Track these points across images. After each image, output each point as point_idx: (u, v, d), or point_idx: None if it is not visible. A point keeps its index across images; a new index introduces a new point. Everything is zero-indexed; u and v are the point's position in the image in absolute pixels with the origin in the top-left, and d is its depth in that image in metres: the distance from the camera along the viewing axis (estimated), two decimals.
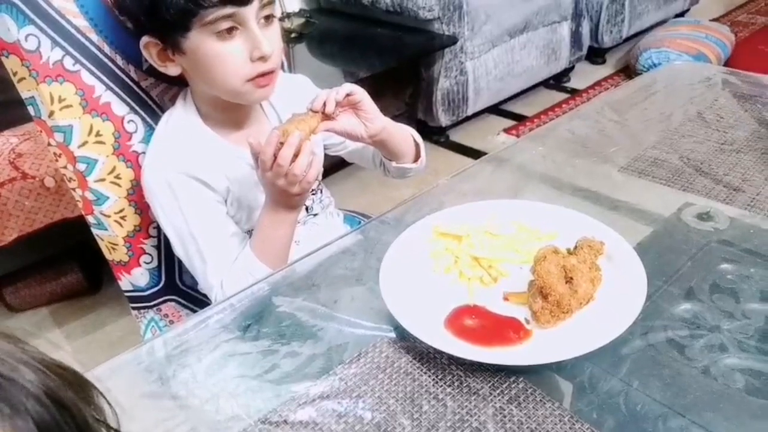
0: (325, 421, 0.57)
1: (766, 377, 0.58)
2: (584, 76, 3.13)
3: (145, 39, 0.84)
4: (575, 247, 0.70)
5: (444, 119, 2.53)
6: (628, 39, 3.21)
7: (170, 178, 0.88)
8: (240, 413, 0.59)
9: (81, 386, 0.33)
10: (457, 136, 2.70)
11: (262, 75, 0.83)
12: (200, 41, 0.80)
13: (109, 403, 0.35)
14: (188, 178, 0.88)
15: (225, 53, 0.80)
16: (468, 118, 2.69)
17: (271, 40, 0.82)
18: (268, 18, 0.82)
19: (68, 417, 0.31)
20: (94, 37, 0.89)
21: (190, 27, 0.78)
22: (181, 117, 0.92)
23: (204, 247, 0.90)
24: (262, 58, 0.81)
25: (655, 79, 1.24)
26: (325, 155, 0.88)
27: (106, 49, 0.90)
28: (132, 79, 0.94)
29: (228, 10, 0.77)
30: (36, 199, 1.76)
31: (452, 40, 2.34)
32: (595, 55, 3.22)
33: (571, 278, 0.64)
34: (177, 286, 1.08)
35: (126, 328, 1.82)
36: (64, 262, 1.97)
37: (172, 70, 0.87)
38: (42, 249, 1.90)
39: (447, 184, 0.95)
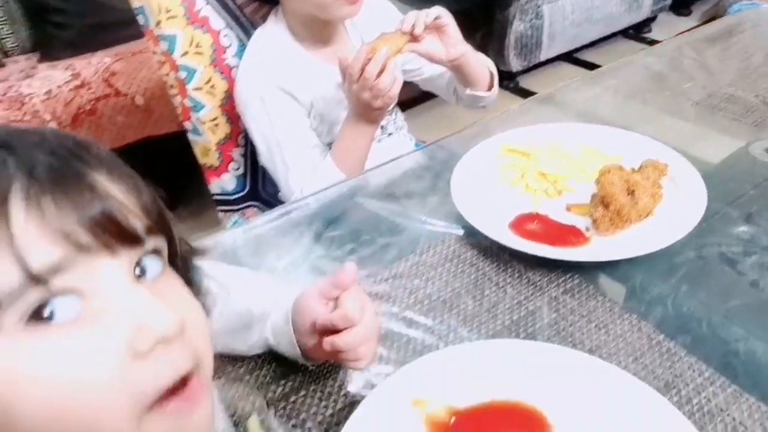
0: (398, 295, 0.65)
1: None
2: (667, 27, 3.01)
3: None
4: (640, 167, 0.73)
5: (515, 64, 2.51)
6: None
7: (262, 90, 0.95)
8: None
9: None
10: (527, 82, 2.67)
11: None
12: None
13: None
14: (278, 90, 0.95)
15: None
16: (540, 65, 2.65)
17: None
18: None
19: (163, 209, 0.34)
20: None
21: None
22: (272, 33, 0.99)
23: (288, 155, 0.98)
24: None
25: (741, 20, 1.22)
26: (403, 82, 0.94)
27: None
28: None
29: None
30: (127, 115, 1.89)
31: None
32: (681, 6, 3.08)
33: (633, 191, 0.68)
34: (259, 193, 1.18)
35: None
36: (145, 179, 2.12)
37: None
38: (130, 163, 2.05)
39: (518, 109, 0.99)
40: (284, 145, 0.98)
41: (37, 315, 0.28)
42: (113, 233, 0.30)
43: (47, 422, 0.28)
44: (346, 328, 0.48)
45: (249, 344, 0.56)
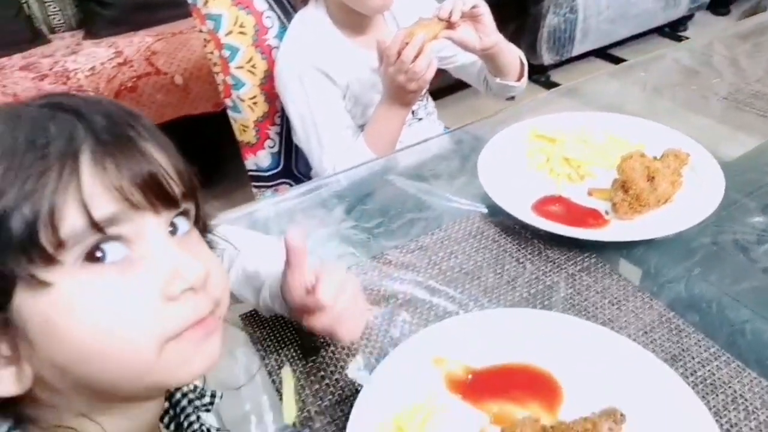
0: (423, 266, 0.69)
1: None
2: (703, 26, 2.98)
3: None
4: (662, 155, 0.76)
5: (547, 57, 2.52)
6: None
7: (301, 70, 1.00)
8: (354, 251, 0.72)
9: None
10: (558, 76, 2.68)
11: None
12: None
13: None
14: (317, 71, 1.00)
15: None
16: (572, 60, 2.65)
17: None
18: None
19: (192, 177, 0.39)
20: None
21: None
22: (313, 17, 1.03)
23: (323, 134, 1.02)
24: None
25: None
26: (436, 69, 0.97)
27: None
28: None
29: None
30: (166, 94, 1.96)
31: None
32: (719, 5, 3.04)
33: (653, 178, 0.71)
34: (292, 171, 1.22)
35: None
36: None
37: None
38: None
39: (545, 98, 1.02)
40: (320, 125, 1.02)
41: (91, 255, 0.33)
42: (158, 195, 0.35)
43: (91, 344, 0.33)
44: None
45: (259, 303, 0.61)
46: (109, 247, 0.34)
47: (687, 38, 2.89)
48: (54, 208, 0.32)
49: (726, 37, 1.15)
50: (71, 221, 0.32)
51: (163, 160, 0.36)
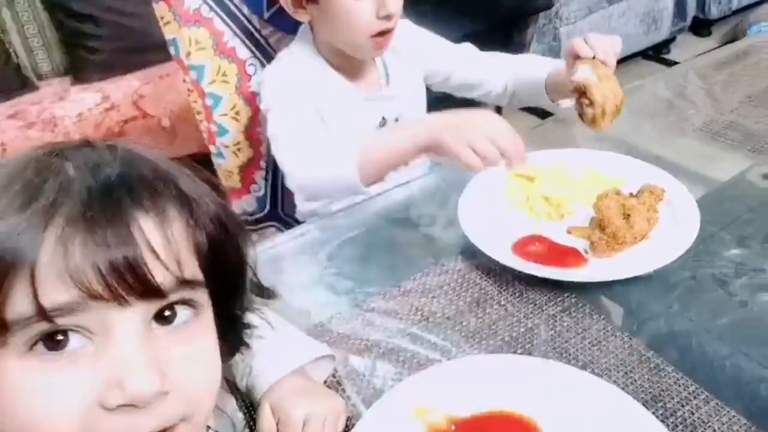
0: (404, 312, 0.69)
1: None
2: (686, 48, 3.02)
3: None
4: (638, 192, 0.77)
5: None
6: (738, 11, 3.06)
7: (289, 91, 0.94)
8: (336, 299, 0.72)
9: (240, 225, 0.40)
10: None
11: (383, 34, 0.89)
12: None
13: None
14: (304, 97, 0.94)
15: (356, 9, 0.87)
16: None
17: (396, 1, 0.88)
18: None
19: (230, 243, 0.38)
20: None
21: None
22: (302, 47, 0.99)
23: (302, 140, 0.91)
24: (388, 17, 0.88)
25: (750, 47, 1.25)
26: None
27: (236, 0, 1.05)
28: (254, 27, 1.08)
29: None
30: (154, 137, 1.98)
31: (547, 4, 2.35)
32: (701, 27, 3.09)
33: (629, 215, 0.72)
34: (279, 214, 1.23)
35: None
36: None
37: (302, 17, 0.95)
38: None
39: (525, 135, 1.03)
40: (301, 132, 0.92)
41: (51, 337, 0.30)
42: (131, 285, 0.31)
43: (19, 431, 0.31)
44: None
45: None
46: (71, 335, 0.31)
47: (671, 60, 2.94)
48: (3, 283, 0.29)
49: (702, 67, 1.18)
50: (17, 305, 0.29)
51: (162, 235, 0.32)
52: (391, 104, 1.03)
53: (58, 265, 0.30)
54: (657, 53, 2.99)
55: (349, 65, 1.01)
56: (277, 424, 0.54)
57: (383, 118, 1.03)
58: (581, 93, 0.83)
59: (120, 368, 0.31)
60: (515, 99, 1.09)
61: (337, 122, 0.99)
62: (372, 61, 1.06)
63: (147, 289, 0.31)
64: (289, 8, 0.95)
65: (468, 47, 1.12)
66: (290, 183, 0.92)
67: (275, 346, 0.57)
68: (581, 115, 0.83)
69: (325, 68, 0.99)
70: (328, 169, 0.85)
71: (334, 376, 0.61)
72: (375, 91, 1.02)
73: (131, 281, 0.31)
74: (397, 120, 1.05)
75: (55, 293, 0.30)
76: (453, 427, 0.55)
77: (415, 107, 1.08)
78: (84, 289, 0.30)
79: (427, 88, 1.11)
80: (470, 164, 0.73)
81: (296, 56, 0.99)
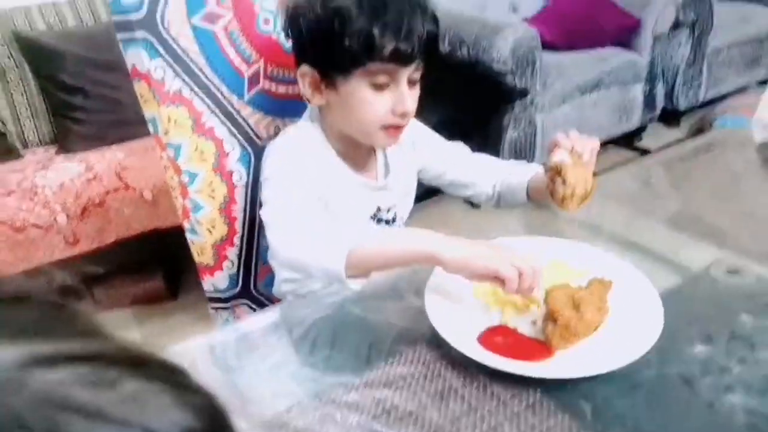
0: (366, 404, 0.67)
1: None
2: (657, 136, 3.14)
3: (304, 68, 0.93)
4: (587, 284, 0.78)
5: None
6: (705, 104, 3.20)
7: (293, 169, 0.94)
8: (297, 391, 0.70)
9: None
10: None
11: (396, 127, 0.92)
12: (357, 86, 0.89)
13: None
14: (306, 170, 0.94)
15: (374, 102, 0.89)
16: None
17: (413, 100, 0.92)
18: (414, 82, 0.92)
19: None
20: (207, 71, 1.06)
21: (354, 72, 0.88)
22: (311, 127, 1.01)
23: (295, 224, 0.88)
24: (403, 115, 0.91)
25: (714, 140, 1.30)
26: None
27: (216, 81, 1.08)
28: (234, 108, 1.11)
29: (391, 66, 0.87)
30: (135, 208, 1.98)
31: (523, 93, 2.45)
32: (670, 117, 3.23)
33: (579, 306, 0.72)
34: (251, 292, 1.22)
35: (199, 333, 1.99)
36: (149, 268, 2.18)
37: (317, 100, 0.96)
38: (133, 254, 2.11)
39: (493, 219, 1.05)
40: (295, 210, 0.89)
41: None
42: None
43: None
44: None
45: None
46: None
47: (643, 148, 3.05)
48: None
49: (668, 159, 1.22)
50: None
51: None
52: (387, 195, 1.05)
53: None
54: (629, 141, 3.10)
55: (354, 152, 1.02)
56: None
57: (378, 208, 1.05)
58: (556, 173, 0.87)
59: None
60: (501, 201, 1.13)
61: (333, 206, 1.00)
62: (374, 152, 1.08)
63: None
64: (306, 90, 0.95)
65: (461, 147, 1.16)
66: (272, 259, 0.91)
67: None
68: (552, 194, 0.88)
69: (329, 152, 1.01)
70: (315, 255, 0.82)
71: None
72: (374, 181, 1.04)
73: None
74: (389, 210, 1.07)
75: None
76: None
77: (407, 200, 1.11)
78: None
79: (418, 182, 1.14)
80: (511, 278, 0.73)
81: (304, 133, 1.00)
